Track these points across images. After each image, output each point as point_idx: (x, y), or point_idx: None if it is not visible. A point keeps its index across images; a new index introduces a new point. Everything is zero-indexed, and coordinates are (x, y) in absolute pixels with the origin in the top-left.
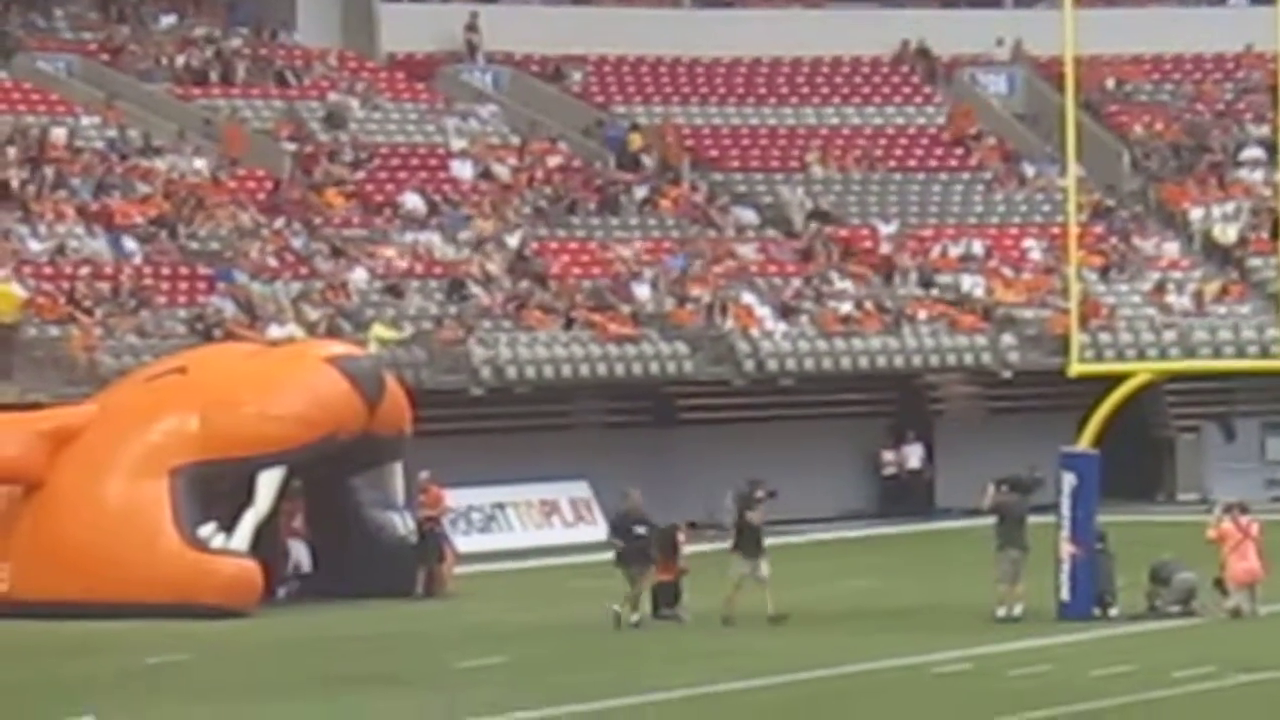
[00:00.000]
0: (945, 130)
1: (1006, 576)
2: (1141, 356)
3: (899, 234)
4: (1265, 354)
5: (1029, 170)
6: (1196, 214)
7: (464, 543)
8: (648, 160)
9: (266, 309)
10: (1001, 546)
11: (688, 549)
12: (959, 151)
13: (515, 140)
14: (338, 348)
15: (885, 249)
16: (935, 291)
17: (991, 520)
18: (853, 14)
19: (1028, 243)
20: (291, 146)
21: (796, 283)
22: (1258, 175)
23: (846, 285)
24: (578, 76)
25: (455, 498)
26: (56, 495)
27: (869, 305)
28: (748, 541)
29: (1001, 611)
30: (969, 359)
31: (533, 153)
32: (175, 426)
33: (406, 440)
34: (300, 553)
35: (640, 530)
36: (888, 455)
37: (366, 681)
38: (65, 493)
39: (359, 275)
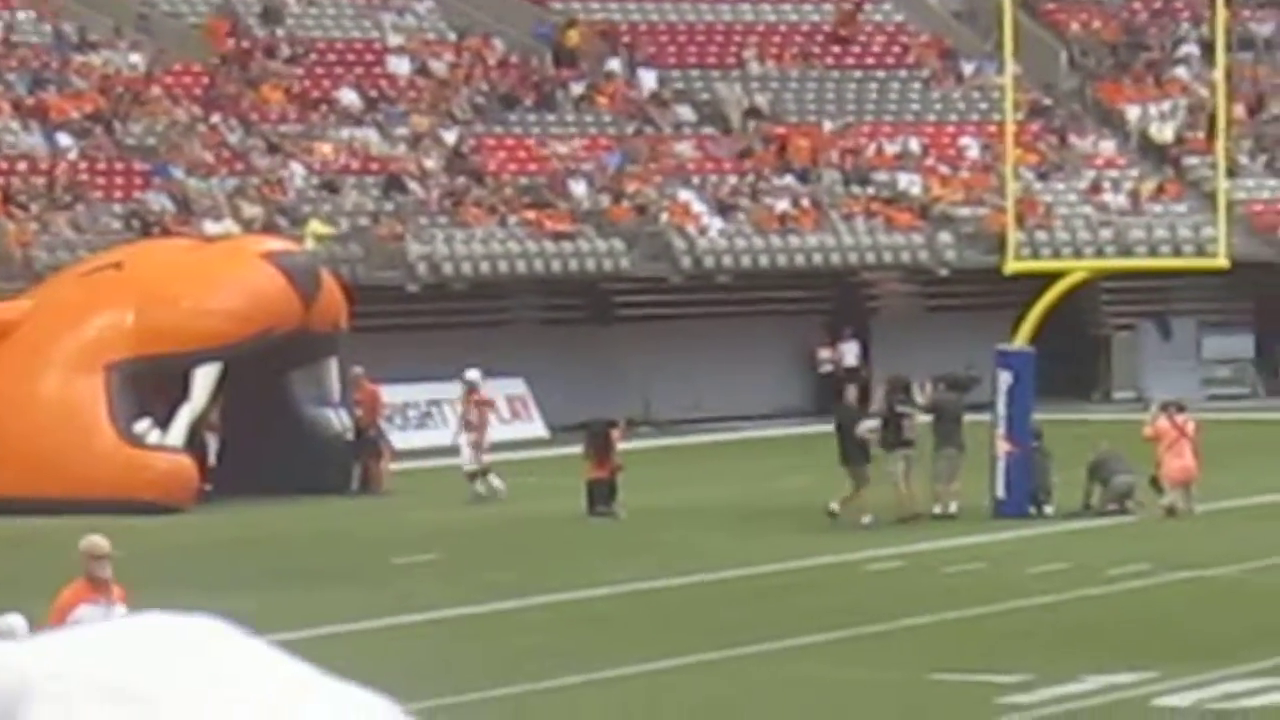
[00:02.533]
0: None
1: (943, 475)
2: (1078, 255)
3: (836, 131)
4: (1201, 253)
5: (966, 68)
6: (1133, 113)
7: (400, 439)
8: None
9: (202, 205)
10: (938, 445)
11: (623, 445)
12: (896, 49)
13: (452, 36)
14: (274, 243)
15: (822, 146)
16: (872, 189)
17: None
18: None
19: (964, 140)
20: (228, 42)
21: (733, 180)
22: (1194, 74)
23: (783, 182)
24: None
25: (391, 394)
26: None
27: (805, 203)
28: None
29: (938, 509)
30: (905, 257)
31: (469, 49)
32: (111, 322)
33: (342, 336)
34: (210, 447)
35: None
36: (824, 353)
37: (301, 577)
38: (0, 388)
39: (295, 171)
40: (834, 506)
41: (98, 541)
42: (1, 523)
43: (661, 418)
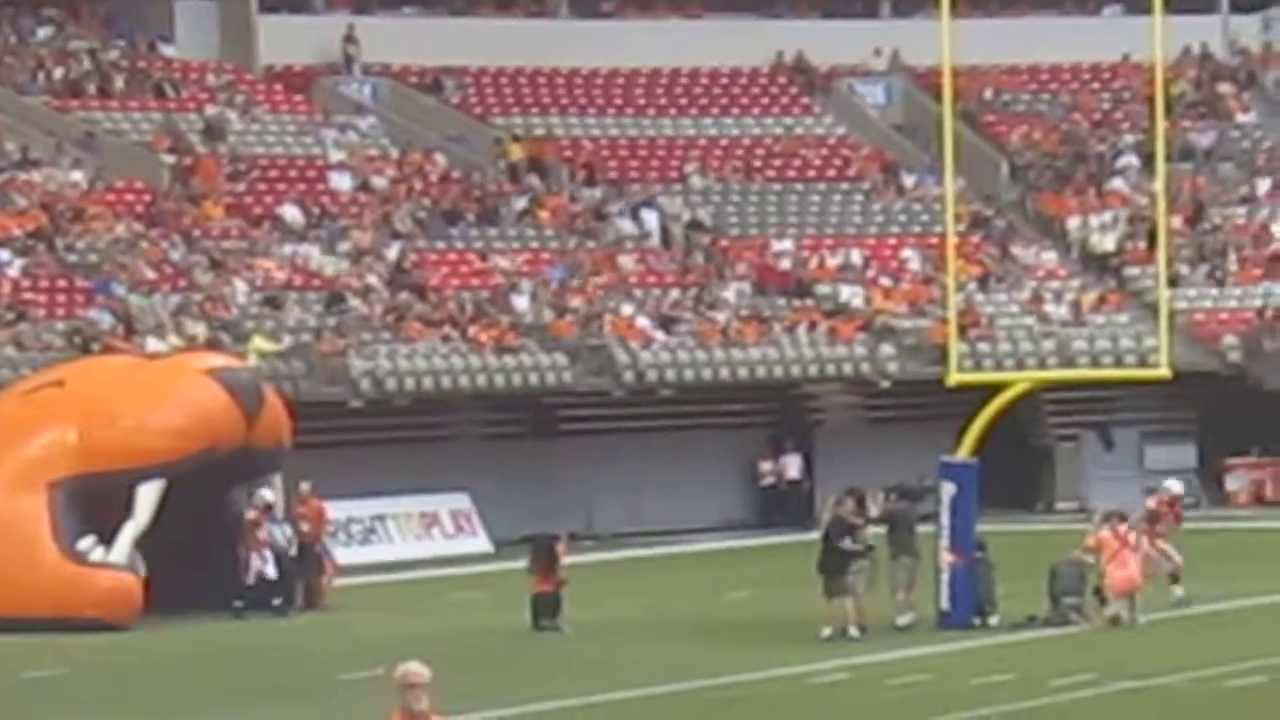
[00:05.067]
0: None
1: (901, 584)
2: (1020, 366)
3: (777, 244)
4: (1143, 363)
5: (907, 180)
6: (1074, 223)
7: (344, 555)
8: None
9: (145, 321)
10: (894, 554)
11: (567, 559)
12: (838, 162)
13: (394, 152)
14: (217, 360)
15: (764, 259)
16: (813, 301)
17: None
18: (730, 24)
19: (906, 252)
20: (170, 159)
21: (675, 293)
22: (1133, 184)
23: (725, 295)
24: (455, 87)
25: (335, 509)
26: None
27: (747, 315)
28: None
29: (900, 620)
30: (848, 369)
31: (411, 164)
32: (53, 439)
33: (286, 452)
34: (261, 564)
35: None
36: (765, 465)
37: (247, 695)
38: None
39: (238, 287)
40: (854, 632)
41: (413, 669)
42: None
43: (604, 531)
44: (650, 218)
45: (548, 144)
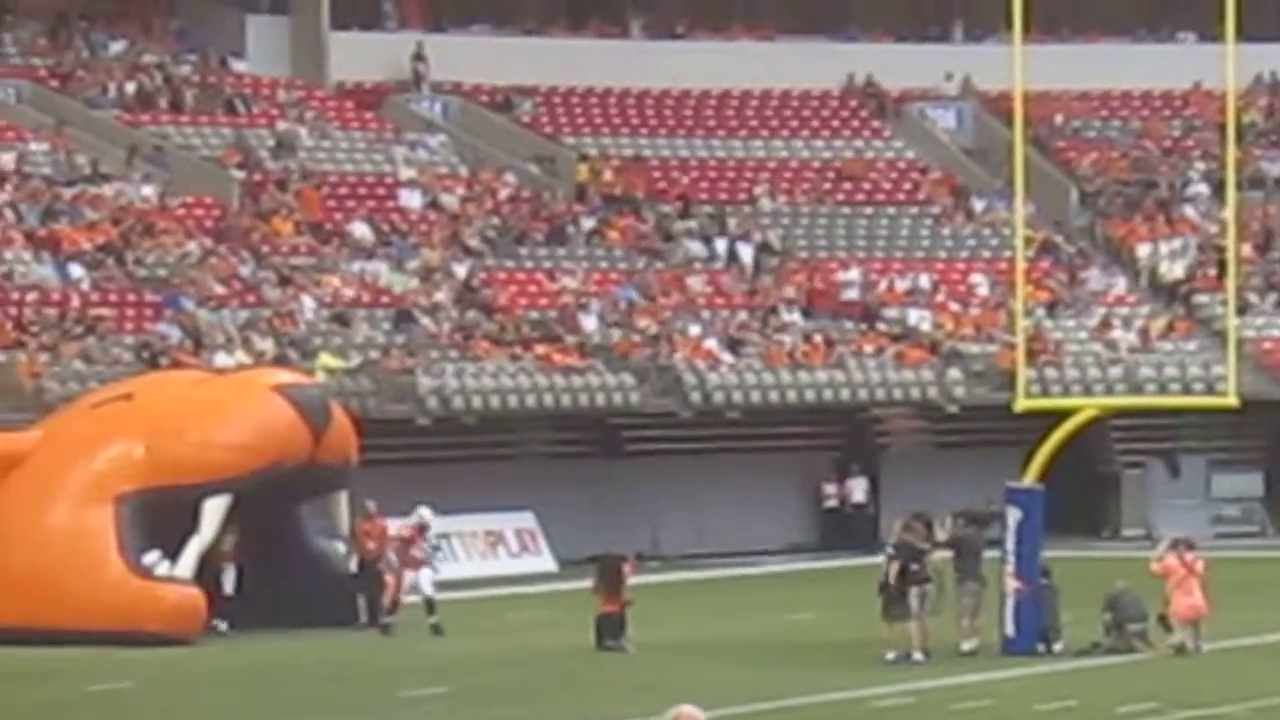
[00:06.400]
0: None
1: (967, 610)
2: (1087, 392)
3: (848, 268)
4: (1211, 391)
5: (977, 205)
6: (1143, 250)
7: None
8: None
9: (213, 336)
10: (960, 580)
11: (633, 580)
12: (908, 186)
13: (464, 170)
14: (284, 376)
15: (834, 283)
16: (882, 325)
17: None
18: (802, 46)
19: (975, 277)
20: (240, 174)
21: (743, 315)
22: (1203, 212)
23: (794, 318)
24: (527, 107)
25: (400, 528)
26: (1, 521)
27: (816, 339)
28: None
29: (965, 646)
30: (915, 393)
31: (481, 183)
32: (121, 454)
33: (352, 469)
34: (227, 577)
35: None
36: (829, 488)
37: (309, 711)
38: (10, 519)
39: (306, 304)
40: (918, 657)
41: (686, 712)
42: (11, 654)
43: (669, 552)
44: (719, 240)
45: (625, 166)
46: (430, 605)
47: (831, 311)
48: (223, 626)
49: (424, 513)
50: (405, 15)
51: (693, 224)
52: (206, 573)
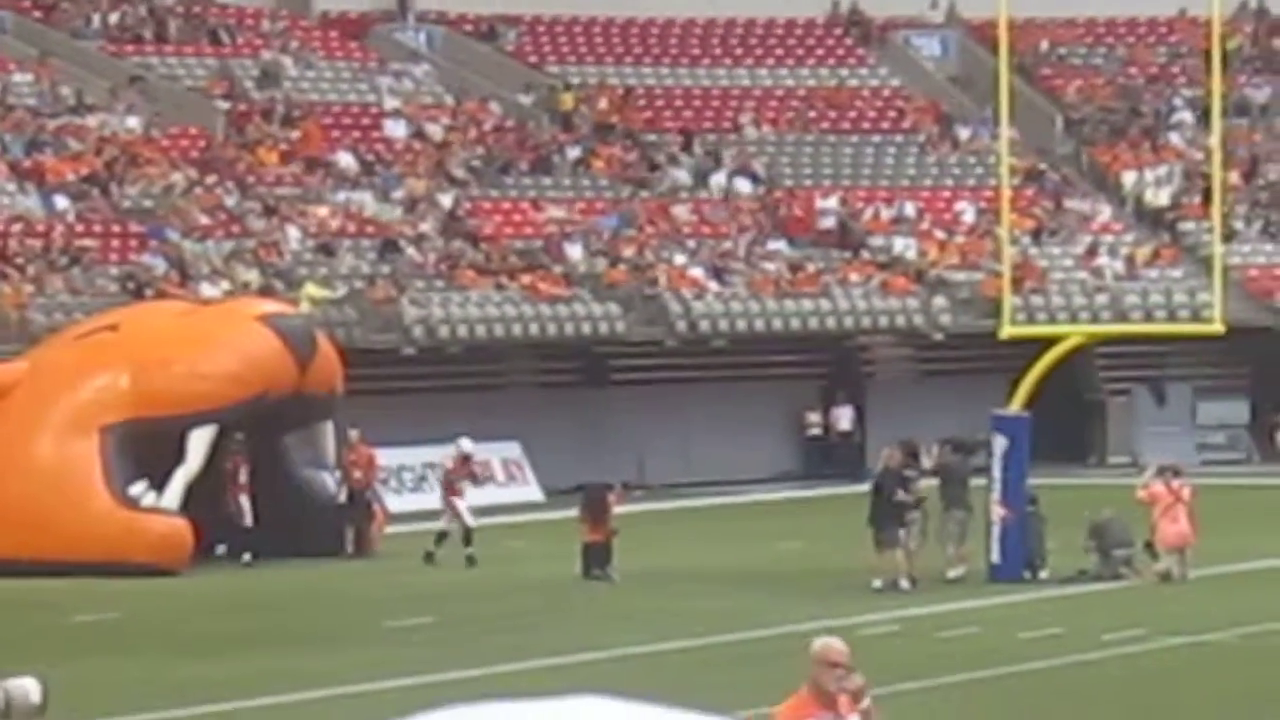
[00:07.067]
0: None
1: (953, 537)
2: (1073, 320)
3: (834, 195)
4: (1197, 318)
5: (962, 133)
6: (1129, 177)
7: (394, 502)
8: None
9: (198, 267)
10: (946, 508)
11: (619, 509)
12: (892, 114)
13: (449, 100)
14: (269, 306)
15: (822, 211)
16: (867, 254)
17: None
18: None
19: (960, 205)
20: (224, 105)
21: (728, 244)
22: (1188, 139)
23: (779, 246)
24: (511, 36)
25: (386, 457)
26: None
27: (809, 268)
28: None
29: (951, 573)
30: (901, 321)
31: (466, 113)
32: (106, 384)
33: (338, 399)
34: (244, 508)
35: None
36: (812, 416)
37: (296, 640)
38: None
39: (291, 234)
40: (905, 584)
41: (835, 645)
42: None
43: (655, 481)
44: (704, 168)
45: (610, 95)
46: (468, 536)
47: (814, 240)
48: (247, 558)
49: (464, 443)
50: None
51: (677, 151)
52: (221, 505)
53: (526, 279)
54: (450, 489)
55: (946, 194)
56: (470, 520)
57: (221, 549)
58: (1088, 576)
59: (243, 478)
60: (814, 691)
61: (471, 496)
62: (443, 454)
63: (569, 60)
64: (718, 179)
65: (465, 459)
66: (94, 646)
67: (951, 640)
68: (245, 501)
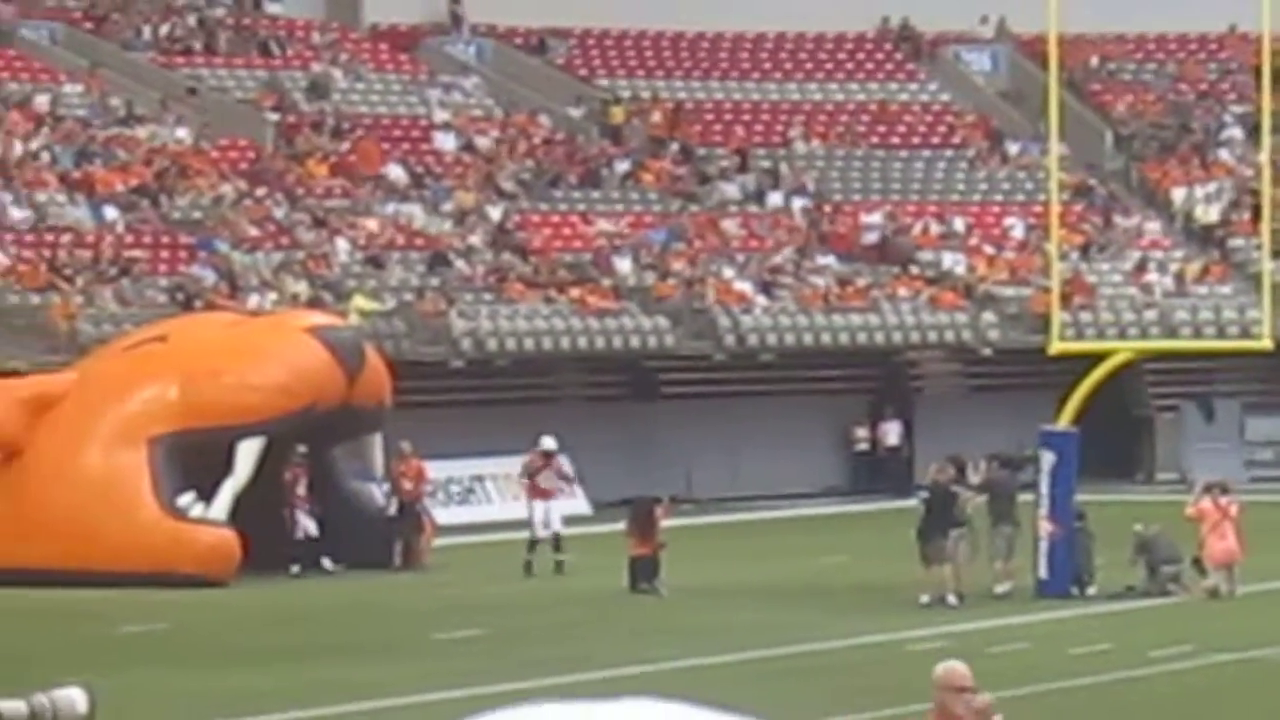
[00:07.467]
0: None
1: (1000, 552)
2: (1122, 336)
3: (881, 210)
4: (1245, 334)
5: (1012, 148)
6: (1178, 194)
7: (443, 515)
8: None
9: (247, 279)
10: (994, 523)
11: (666, 523)
12: (942, 129)
13: (498, 113)
14: (318, 318)
15: (867, 225)
16: (916, 269)
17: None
18: None
19: (1009, 220)
20: (274, 116)
21: (778, 258)
22: (1238, 156)
23: (828, 261)
24: (561, 49)
25: (434, 469)
26: (35, 463)
27: (854, 282)
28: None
29: (999, 589)
30: (949, 336)
31: (515, 125)
32: (155, 395)
33: (386, 411)
34: (306, 521)
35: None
36: (859, 431)
37: (343, 652)
38: (44, 461)
39: (341, 246)
40: (952, 600)
41: (959, 670)
42: (46, 595)
43: (703, 494)
44: (754, 182)
45: (651, 106)
46: (558, 542)
47: (862, 255)
48: (328, 564)
49: (547, 441)
50: None
51: (726, 165)
52: (285, 519)
53: (575, 292)
54: (535, 490)
55: (996, 209)
56: (541, 530)
57: (296, 568)
58: (1135, 592)
59: (301, 489)
60: (942, 718)
61: (515, 508)
62: (490, 466)
63: (619, 74)
64: (774, 198)
65: (547, 456)
66: (142, 657)
67: (1000, 656)
68: (302, 514)
